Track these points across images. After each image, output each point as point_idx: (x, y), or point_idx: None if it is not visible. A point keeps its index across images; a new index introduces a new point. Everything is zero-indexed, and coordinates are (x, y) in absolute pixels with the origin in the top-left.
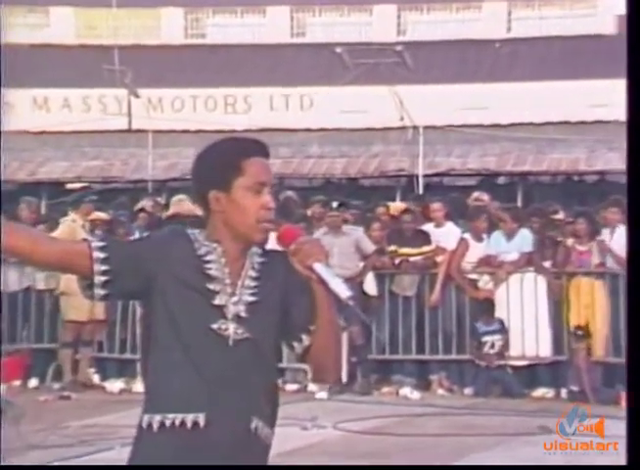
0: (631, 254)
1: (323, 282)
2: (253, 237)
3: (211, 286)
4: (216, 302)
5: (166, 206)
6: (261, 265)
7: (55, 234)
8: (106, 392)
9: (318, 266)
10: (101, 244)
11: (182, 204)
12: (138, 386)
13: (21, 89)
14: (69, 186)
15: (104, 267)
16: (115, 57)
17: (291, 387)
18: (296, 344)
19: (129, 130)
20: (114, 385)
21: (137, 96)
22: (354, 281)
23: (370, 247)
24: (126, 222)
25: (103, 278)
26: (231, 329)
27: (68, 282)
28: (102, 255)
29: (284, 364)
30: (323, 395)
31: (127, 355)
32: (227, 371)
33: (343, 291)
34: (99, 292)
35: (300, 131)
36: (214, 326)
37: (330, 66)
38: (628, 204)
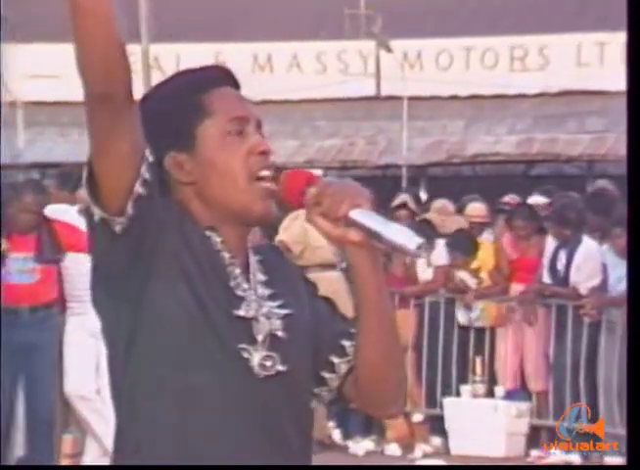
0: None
1: (374, 236)
2: (249, 207)
3: (232, 282)
4: (241, 313)
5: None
6: (262, 266)
7: (282, 237)
8: (349, 453)
9: (359, 214)
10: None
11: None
12: (391, 447)
13: (239, 44)
14: None
15: (147, 175)
16: None
17: None
18: (327, 374)
19: (377, 97)
20: (360, 445)
21: (389, 50)
22: None
23: None
24: None
25: (141, 190)
26: (255, 360)
27: None
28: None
29: None
30: None
31: None
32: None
33: (410, 241)
34: (129, 212)
35: (620, 94)
36: (241, 345)
37: None
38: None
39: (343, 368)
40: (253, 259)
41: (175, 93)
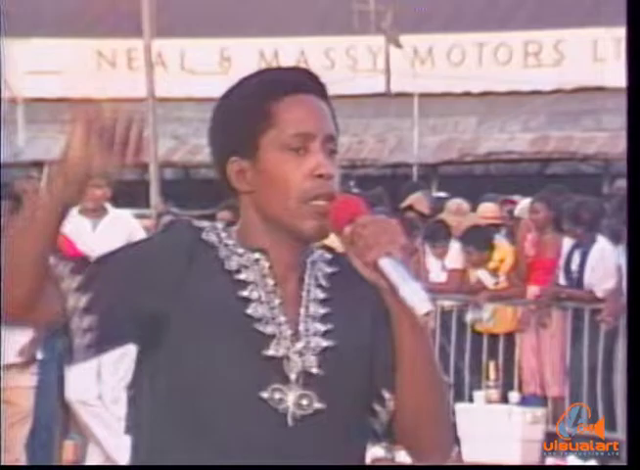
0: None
1: (392, 287)
2: (299, 227)
3: (260, 327)
4: (270, 352)
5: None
6: (332, 280)
7: None
8: None
9: (386, 263)
10: (72, 264)
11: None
12: (402, 454)
13: (245, 39)
14: None
15: (83, 302)
16: None
17: None
18: (378, 407)
19: (387, 94)
20: (370, 451)
21: (399, 46)
22: None
23: None
24: None
25: (84, 322)
26: (290, 400)
27: None
28: (75, 283)
29: None
30: None
31: None
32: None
33: (421, 305)
34: (81, 342)
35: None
36: (265, 395)
37: None
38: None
39: (385, 417)
40: (315, 274)
41: (249, 96)
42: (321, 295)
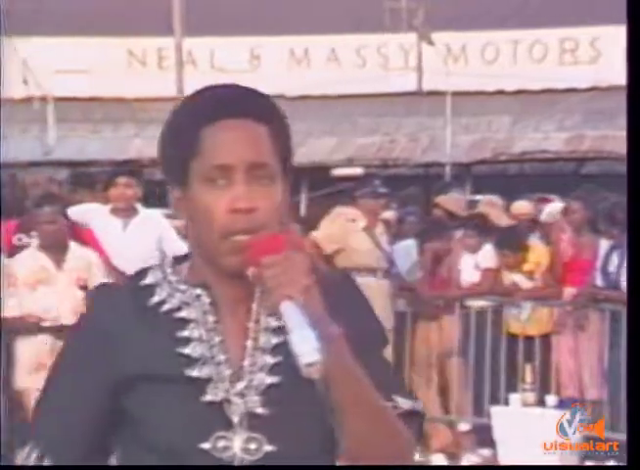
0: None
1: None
2: (220, 262)
3: (194, 372)
4: (208, 397)
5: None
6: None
7: (317, 234)
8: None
9: (285, 307)
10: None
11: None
12: (437, 458)
13: (275, 37)
14: (337, 172)
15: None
16: None
17: None
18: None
19: (419, 92)
20: None
21: (431, 43)
22: None
23: None
24: (418, 224)
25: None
26: (236, 446)
27: None
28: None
29: None
30: None
31: None
32: None
33: (306, 354)
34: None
35: None
36: (206, 446)
37: None
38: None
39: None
40: (262, 302)
41: (184, 118)
42: (274, 323)
